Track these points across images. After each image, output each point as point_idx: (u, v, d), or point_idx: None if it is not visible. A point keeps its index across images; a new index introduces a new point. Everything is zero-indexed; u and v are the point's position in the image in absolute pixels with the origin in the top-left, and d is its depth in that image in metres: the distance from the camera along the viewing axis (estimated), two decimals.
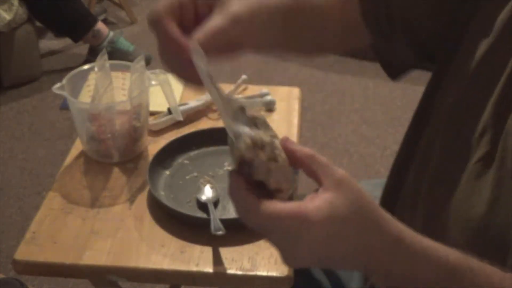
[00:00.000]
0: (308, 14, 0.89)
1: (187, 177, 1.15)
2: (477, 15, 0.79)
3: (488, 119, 0.74)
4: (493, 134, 0.73)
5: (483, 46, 0.76)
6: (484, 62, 0.76)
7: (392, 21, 0.87)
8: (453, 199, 0.77)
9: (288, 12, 0.84)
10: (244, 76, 1.41)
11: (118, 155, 1.21)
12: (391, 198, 0.94)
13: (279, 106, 1.34)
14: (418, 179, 0.87)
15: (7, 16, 2.78)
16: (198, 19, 0.73)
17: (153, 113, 1.29)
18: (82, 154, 1.22)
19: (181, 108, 1.29)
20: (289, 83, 2.95)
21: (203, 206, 1.07)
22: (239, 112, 0.64)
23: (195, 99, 1.33)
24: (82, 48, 3.19)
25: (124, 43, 3.04)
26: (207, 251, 1.00)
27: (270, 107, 1.34)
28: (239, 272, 0.97)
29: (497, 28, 0.75)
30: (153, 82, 1.19)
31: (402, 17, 0.86)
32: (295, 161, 0.65)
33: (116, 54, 2.97)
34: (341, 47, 1.04)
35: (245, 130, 0.61)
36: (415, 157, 0.91)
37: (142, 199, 1.10)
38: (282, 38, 0.86)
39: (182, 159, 1.19)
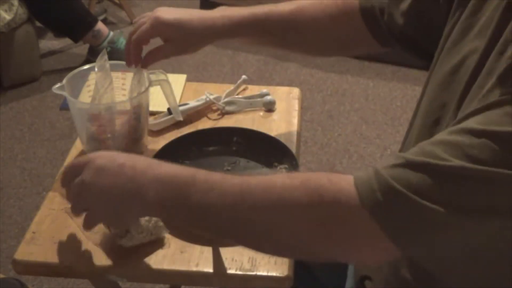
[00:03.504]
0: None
1: None
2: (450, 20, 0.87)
3: (451, 116, 0.79)
4: None
5: (460, 53, 0.82)
6: (460, 64, 0.81)
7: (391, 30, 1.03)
8: None
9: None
10: (244, 76, 1.41)
11: None
12: None
13: (279, 106, 1.34)
14: None
15: (7, 16, 2.78)
16: None
17: (153, 113, 1.29)
18: (82, 154, 1.22)
19: (181, 108, 1.29)
20: (289, 83, 2.97)
21: None
22: None
23: (195, 99, 1.33)
24: (82, 48, 3.19)
25: (124, 43, 3.04)
26: (207, 251, 1.00)
27: (270, 107, 1.34)
28: (239, 272, 0.97)
29: (472, 36, 0.81)
30: (153, 82, 1.18)
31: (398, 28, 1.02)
32: None
33: (116, 54, 2.97)
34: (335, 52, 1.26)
35: None
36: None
37: None
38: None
39: (182, 159, 1.19)
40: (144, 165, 0.83)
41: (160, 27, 1.08)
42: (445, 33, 0.88)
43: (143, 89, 1.15)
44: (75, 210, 0.90)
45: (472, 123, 0.70)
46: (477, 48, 0.78)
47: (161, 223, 1.01)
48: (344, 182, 0.74)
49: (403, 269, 0.90)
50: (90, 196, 0.86)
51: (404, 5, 0.99)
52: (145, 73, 1.16)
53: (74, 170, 0.88)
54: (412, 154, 0.73)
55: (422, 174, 0.70)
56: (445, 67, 0.84)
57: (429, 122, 0.85)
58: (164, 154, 1.18)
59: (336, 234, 0.74)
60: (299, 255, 0.83)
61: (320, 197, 0.74)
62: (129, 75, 1.19)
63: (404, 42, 1.03)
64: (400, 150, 1.00)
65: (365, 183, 0.73)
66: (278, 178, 0.78)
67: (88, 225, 0.90)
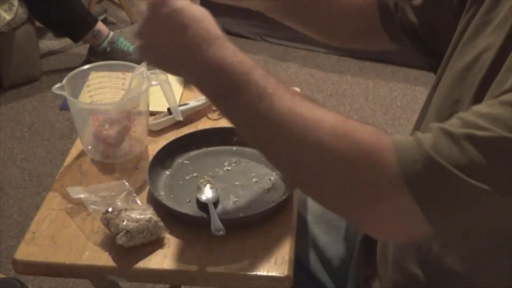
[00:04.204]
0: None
1: (187, 177, 1.15)
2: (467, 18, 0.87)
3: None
4: None
5: (476, 49, 0.81)
6: (475, 61, 0.80)
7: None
8: None
9: None
10: None
11: (118, 155, 1.21)
12: None
13: None
14: None
15: (7, 16, 2.78)
16: None
17: (153, 113, 1.29)
18: (82, 154, 1.22)
19: (181, 108, 1.29)
20: (289, 83, 2.96)
21: (203, 206, 1.07)
22: None
23: (195, 99, 1.33)
24: (82, 48, 3.19)
25: (124, 43, 3.04)
26: (207, 251, 1.00)
27: None
28: (239, 272, 0.97)
29: (488, 32, 0.80)
30: (153, 82, 1.19)
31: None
32: None
33: (116, 54, 2.98)
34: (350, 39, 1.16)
35: None
36: None
37: (142, 199, 1.10)
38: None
39: (182, 159, 1.19)
40: (206, 37, 0.80)
41: None
42: (458, 30, 0.88)
43: None
44: (135, 33, 0.87)
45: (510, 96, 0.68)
46: (493, 44, 0.78)
47: (161, 223, 1.01)
48: (385, 143, 0.71)
49: (411, 265, 0.89)
50: (149, 34, 0.84)
51: (416, 2, 1.00)
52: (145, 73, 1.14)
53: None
54: (453, 125, 0.70)
55: (466, 147, 0.67)
56: (459, 63, 0.84)
57: (443, 118, 0.84)
58: (164, 154, 1.18)
59: (366, 195, 0.72)
60: (318, 199, 0.80)
61: (362, 152, 0.71)
62: (129, 75, 1.19)
63: (413, 38, 1.02)
64: None
65: (406, 151, 0.70)
66: (330, 116, 0.74)
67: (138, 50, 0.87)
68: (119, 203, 1.05)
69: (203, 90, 0.83)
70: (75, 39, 3.08)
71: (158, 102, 1.29)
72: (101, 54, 3.01)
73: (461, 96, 0.81)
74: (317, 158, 0.73)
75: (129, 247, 0.99)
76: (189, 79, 0.85)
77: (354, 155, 0.71)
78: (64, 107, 2.70)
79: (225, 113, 0.83)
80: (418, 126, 0.95)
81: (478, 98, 0.77)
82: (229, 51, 0.79)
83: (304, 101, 0.77)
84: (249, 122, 0.78)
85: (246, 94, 0.76)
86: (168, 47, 0.82)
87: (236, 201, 1.09)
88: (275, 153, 0.79)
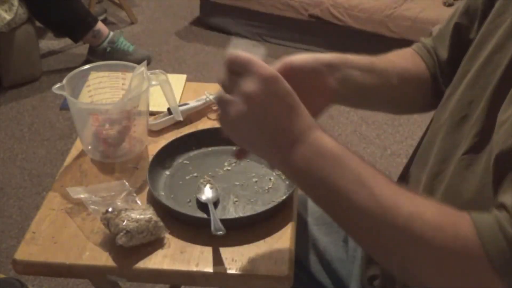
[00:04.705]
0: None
1: (187, 177, 1.15)
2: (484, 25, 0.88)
3: (480, 113, 0.79)
4: (482, 127, 0.78)
5: (487, 50, 0.82)
6: (487, 61, 0.81)
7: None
8: (444, 188, 0.83)
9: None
10: None
11: (118, 155, 1.21)
12: None
13: None
14: (419, 171, 0.93)
15: (7, 16, 2.79)
16: None
17: (153, 113, 1.29)
18: (82, 154, 1.22)
19: (181, 108, 1.29)
20: None
21: (203, 206, 1.07)
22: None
23: (195, 99, 1.33)
24: (82, 48, 3.20)
25: (124, 43, 3.05)
26: (207, 251, 1.00)
27: None
28: (239, 272, 0.97)
29: (500, 33, 0.81)
30: (153, 82, 1.19)
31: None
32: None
33: (116, 54, 2.98)
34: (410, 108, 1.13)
35: None
36: (418, 149, 0.97)
37: (142, 199, 1.10)
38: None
39: (182, 159, 1.19)
40: (308, 123, 0.78)
41: None
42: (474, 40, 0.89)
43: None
44: (219, 101, 0.80)
45: None
46: (504, 44, 0.78)
47: (161, 223, 1.01)
48: (468, 228, 0.69)
49: None
50: (240, 102, 0.77)
51: (447, 41, 0.99)
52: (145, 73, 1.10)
53: (241, 66, 0.80)
54: None
55: None
56: (472, 67, 0.84)
57: (457, 119, 0.84)
58: (164, 154, 1.18)
59: (457, 284, 0.70)
60: (411, 283, 0.77)
61: (456, 246, 0.69)
62: (129, 75, 1.20)
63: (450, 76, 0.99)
64: (416, 149, 0.99)
65: (491, 239, 0.67)
66: (429, 207, 0.72)
67: (220, 121, 0.81)
68: (119, 203, 1.05)
69: (296, 173, 0.78)
70: (75, 39, 3.09)
71: (158, 102, 1.29)
72: (101, 54, 3.01)
73: (475, 97, 0.81)
74: (416, 249, 0.71)
75: (129, 247, 0.99)
76: (282, 161, 0.78)
77: (450, 248, 0.69)
78: (64, 107, 2.70)
79: (319, 200, 0.79)
80: (428, 129, 0.94)
81: (495, 99, 0.76)
82: (327, 137, 0.78)
83: (403, 190, 0.74)
84: (346, 208, 0.75)
85: (345, 180, 0.74)
86: (270, 128, 0.77)
87: (236, 201, 1.09)
88: (373, 240, 0.75)
